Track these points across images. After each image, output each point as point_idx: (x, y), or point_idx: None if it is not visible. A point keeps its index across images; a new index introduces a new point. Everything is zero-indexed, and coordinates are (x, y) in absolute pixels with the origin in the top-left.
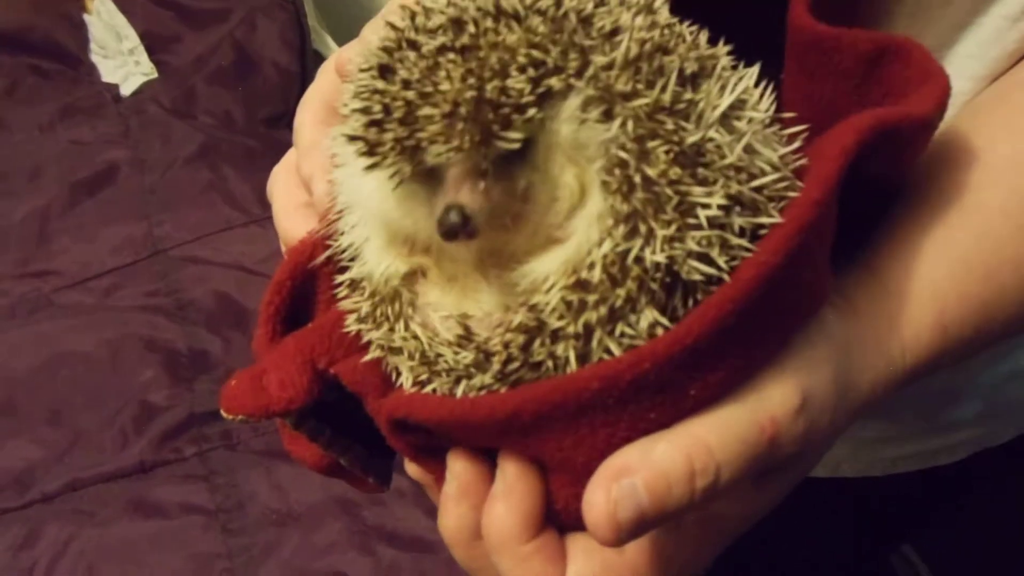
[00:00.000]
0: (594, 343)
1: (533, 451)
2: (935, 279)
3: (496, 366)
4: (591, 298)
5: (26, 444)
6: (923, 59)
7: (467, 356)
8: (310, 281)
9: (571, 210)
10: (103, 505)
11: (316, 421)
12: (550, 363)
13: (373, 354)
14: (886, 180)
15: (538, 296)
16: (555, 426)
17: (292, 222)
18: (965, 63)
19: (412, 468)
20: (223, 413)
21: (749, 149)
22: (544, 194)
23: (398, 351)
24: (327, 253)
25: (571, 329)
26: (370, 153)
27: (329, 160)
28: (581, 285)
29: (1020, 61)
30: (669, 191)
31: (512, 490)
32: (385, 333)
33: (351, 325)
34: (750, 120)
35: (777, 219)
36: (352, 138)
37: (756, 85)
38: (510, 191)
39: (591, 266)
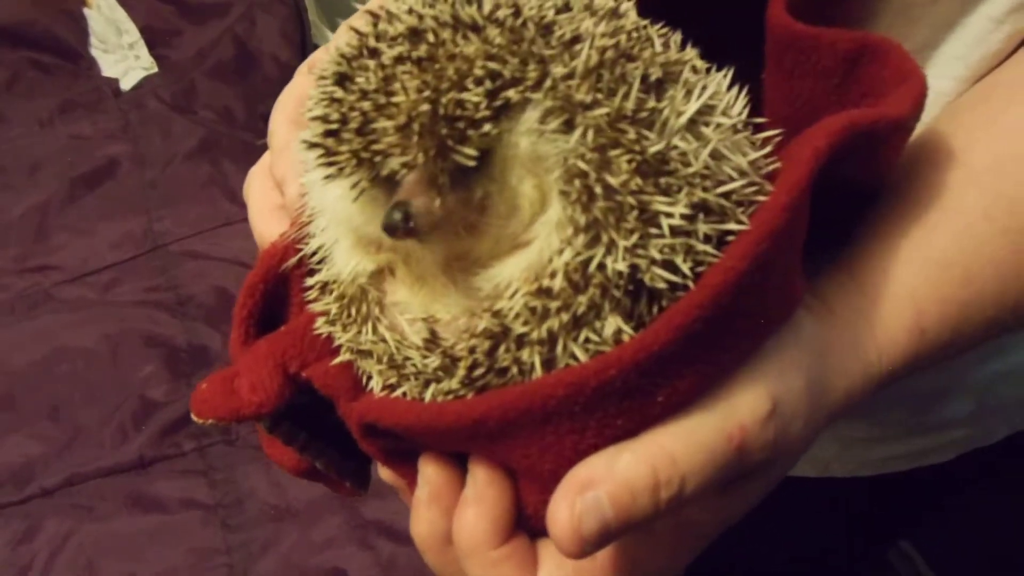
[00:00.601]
0: (559, 349)
1: (501, 457)
2: (913, 281)
3: (462, 371)
4: (554, 304)
5: (25, 439)
6: (901, 59)
7: (434, 360)
8: (283, 284)
9: (532, 217)
10: (102, 500)
11: (290, 424)
12: (515, 369)
13: (343, 357)
14: (863, 181)
15: (502, 302)
16: (521, 433)
17: (266, 224)
18: (950, 63)
19: (384, 472)
20: (194, 417)
21: (716, 155)
22: (502, 204)
23: (367, 354)
24: (297, 256)
25: (535, 335)
26: (328, 163)
27: (300, 165)
28: (544, 292)
29: (1002, 62)
30: (631, 200)
31: (482, 496)
32: (354, 336)
33: (321, 328)
34: (718, 126)
35: (745, 225)
36: (311, 145)
37: (730, 88)
38: (465, 201)
39: (553, 274)
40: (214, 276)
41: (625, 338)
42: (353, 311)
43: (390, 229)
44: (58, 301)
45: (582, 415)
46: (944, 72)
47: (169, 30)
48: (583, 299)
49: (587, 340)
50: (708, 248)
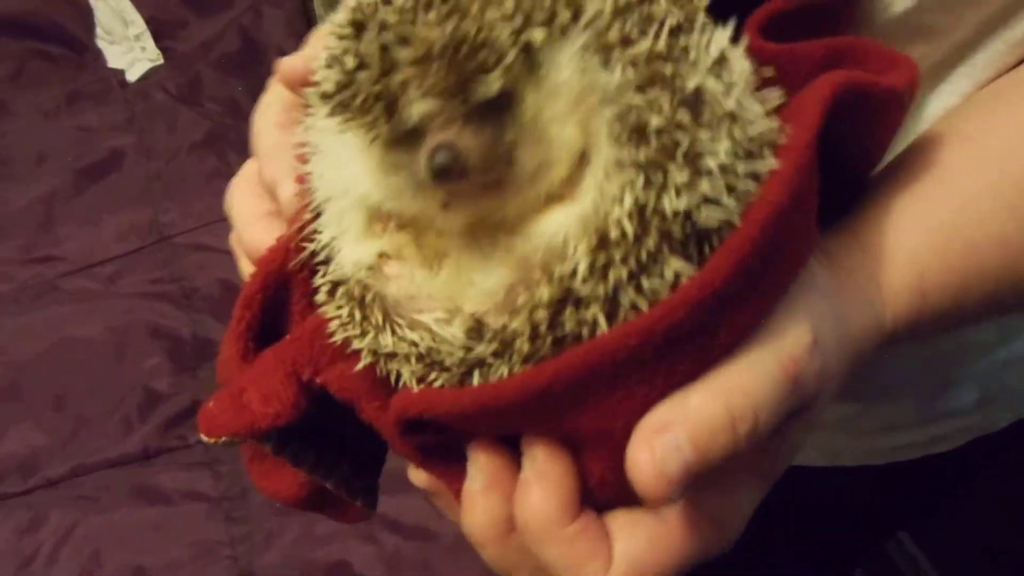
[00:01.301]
0: (622, 301)
1: (564, 429)
2: (915, 246)
3: (522, 344)
4: (617, 255)
5: (31, 429)
6: (882, 51)
7: (485, 348)
8: (282, 291)
9: (571, 166)
10: (107, 491)
11: (300, 443)
12: (578, 331)
13: (365, 361)
14: (860, 157)
15: (562, 264)
16: (590, 395)
17: (258, 232)
18: (959, 81)
19: (419, 475)
20: (204, 437)
21: (741, 98)
22: (534, 154)
23: (392, 356)
24: (302, 256)
25: (600, 291)
26: (345, 108)
27: (294, 163)
28: (605, 244)
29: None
30: (679, 136)
31: (545, 473)
32: (373, 339)
33: (336, 333)
34: (739, 71)
35: (774, 164)
36: (326, 96)
37: (731, 43)
38: (496, 143)
39: (615, 223)
40: (219, 268)
41: (684, 280)
42: (370, 317)
43: (440, 173)
44: (63, 292)
45: (652, 364)
46: (954, 89)
47: (175, 22)
48: (645, 245)
49: (649, 289)
50: (749, 186)
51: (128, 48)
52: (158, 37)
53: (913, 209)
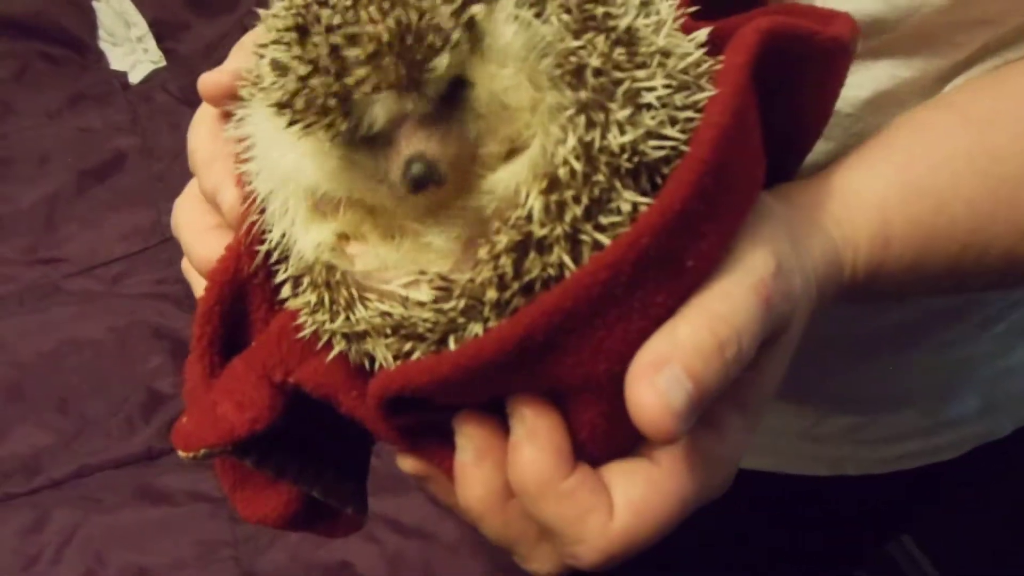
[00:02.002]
0: (583, 238)
1: (548, 380)
2: (883, 193)
3: (492, 295)
4: (569, 195)
5: (34, 430)
6: (817, 9)
7: (456, 305)
8: (239, 302)
9: (525, 124)
10: (110, 491)
11: (281, 454)
12: (545, 274)
13: (338, 347)
14: (813, 109)
15: (515, 211)
16: (570, 337)
17: (206, 245)
18: (942, 87)
19: (407, 462)
20: (181, 454)
21: (670, 34)
22: (497, 132)
23: (363, 335)
24: (256, 260)
25: (559, 231)
26: (303, 115)
27: (232, 169)
28: (556, 186)
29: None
30: (617, 75)
31: (535, 430)
32: (344, 321)
33: (306, 322)
34: (664, 9)
35: (712, 91)
36: (281, 106)
37: None
38: (463, 140)
39: (563, 162)
40: None
41: (643, 210)
42: (336, 297)
43: (418, 185)
44: (67, 293)
45: (626, 297)
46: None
47: (177, 24)
48: (597, 181)
49: (609, 224)
50: (689, 114)
51: (130, 50)
52: (160, 39)
53: (887, 162)
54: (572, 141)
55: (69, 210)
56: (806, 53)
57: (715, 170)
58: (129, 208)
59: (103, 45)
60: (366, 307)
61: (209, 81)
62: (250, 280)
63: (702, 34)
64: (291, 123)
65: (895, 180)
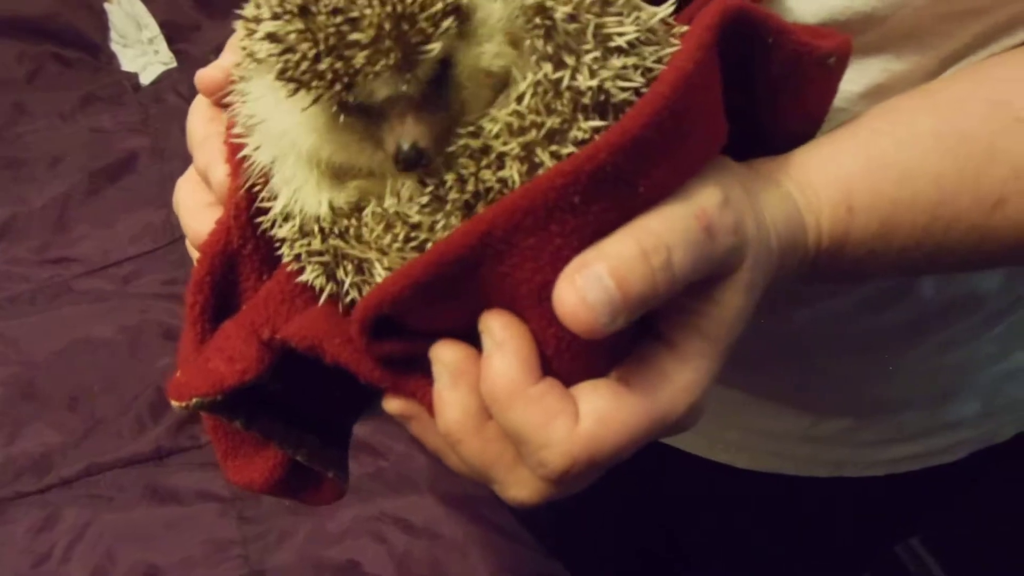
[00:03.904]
0: (538, 160)
1: (511, 285)
2: (848, 165)
3: (454, 195)
4: (530, 119)
5: (45, 428)
6: (809, 27)
7: (426, 199)
8: (230, 273)
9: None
10: (120, 490)
11: (268, 419)
12: (499, 187)
13: (328, 289)
14: (794, 126)
15: (484, 122)
16: (528, 240)
17: (199, 222)
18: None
19: (392, 403)
20: (174, 403)
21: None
22: (475, 97)
23: (353, 259)
24: (267, 219)
25: (514, 150)
26: (305, 86)
27: (223, 148)
28: (519, 114)
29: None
30: (588, 17)
31: (503, 342)
32: (351, 244)
33: (299, 251)
34: None
35: (679, 45)
36: (288, 78)
37: None
38: (449, 118)
39: (526, 94)
40: None
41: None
42: (345, 224)
43: (408, 166)
44: (78, 293)
45: (582, 208)
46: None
47: (188, 25)
48: (558, 111)
49: (566, 154)
50: (657, 65)
51: (142, 51)
52: (171, 40)
53: (853, 136)
54: (540, 76)
55: (80, 210)
56: (801, 66)
57: (673, 106)
58: (140, 208)
59: (114, 47)
60: (373, 230)
61: (204, 76)
62: (239, 252)
63: (667, 6)
64: (295, 91)
65: (859, 154)
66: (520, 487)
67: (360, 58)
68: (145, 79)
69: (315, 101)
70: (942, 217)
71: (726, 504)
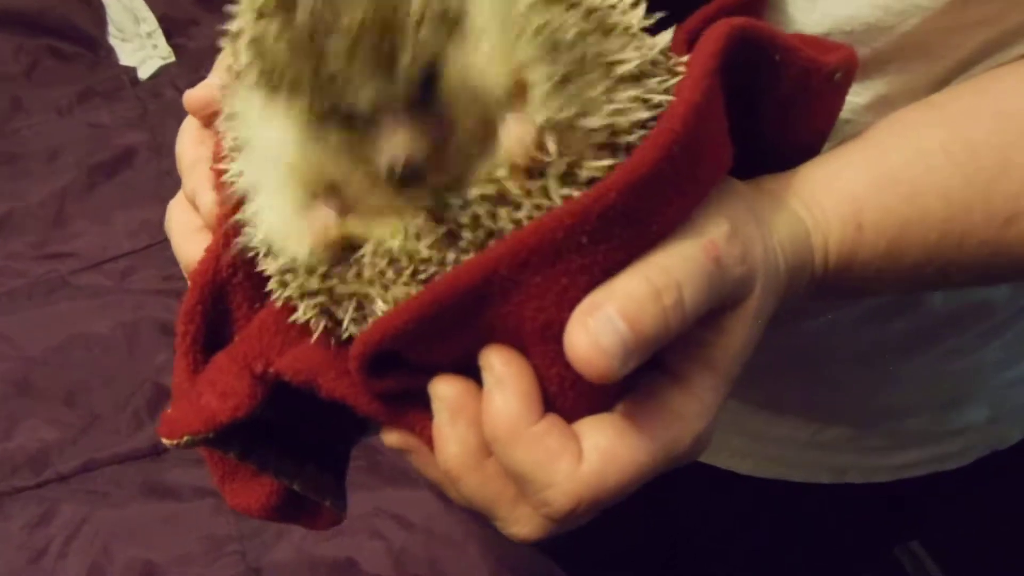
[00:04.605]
0: (549, 202)
1: (515, 322)
2: (855, 182)
3: (467, 233)
4: (540, 159)
5: (42, 424)
6: (821, 40)
7: (441, 231)
8: (221, 302)
9: (498, 102)
10: (117, 486)
11: (263, 449)
12: (515, 228)
13: (311, 314)
14: (803, 142)
15: (499, 170)
16: (534, 279)
17: (191, 246)
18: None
19: (391, 436)
20: (165, 441)
21: (640, 19)
22: (467, 112)
23: (360, 295)
24: (242, 248)
25: (530, 195)
26: (281, 92)
27: (210, 174)
28: (535, 155)
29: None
30: (592, 48)
31: (503, 378)
32: (349, 282)
33: (291, 293)
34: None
35: (684, 73)
36: (265, 80)
37: None
38: (442, 129)
39: (536, 146)
40: None
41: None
42: (339, 266)
43: (401, 183)
44: (75, 288)
45: (589, 249)
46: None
47: (187, 20)
48: (569, 153)
49: (575, 194)
50: (664, 97)
51: (140, 45)
52: (170, 35)
53: (863, 153)
54: (544, 119)
55: (78, 206)
56: (802, 79)
57: (684, 141)
58: (138, 204)
59: (112, 41)
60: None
61: (192, 96)
62: (229, 280)
63: (666, 35)
64: (271, 94)
65: (867, 170)
66: (522, 524)
67: (338, 62)
68: (143, 73)
69: (290, 103)
70: (953, 233)
71: (726, 509)
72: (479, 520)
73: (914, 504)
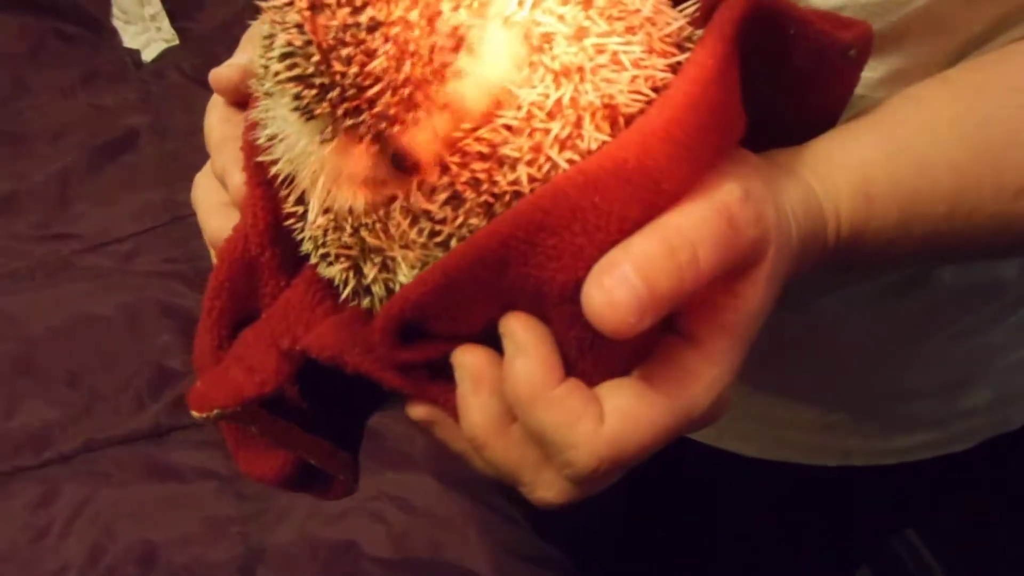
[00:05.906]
0: (551, 163)
1: (534, 285)
2: (865, 154)
3: (470, 194)
4: (536, 124)
5: (43, 404)
6: (837, 16)
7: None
8: (249, 279)
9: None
10: (119, 467)
11: (282, 424)
12: (512, 188)
13: (350, 286)
14: (816, 117)
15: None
16: (552, 239)
17: (217, 221)
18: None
19: (415, 409)
20: (194, 414)
21: (657, 5)
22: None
23: (383, 253)
24: (300, 229)
25: (525, 155)
26: (311, 111)
27: (239, 154)
28: (526, 119)
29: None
30: (595, 39)
31: (524, 344)
32: (379, 236)
33: (329, 249)
34: None
35: (693, 47)
36: (300, 108)
37: None
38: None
39: (520, 107)
40: None
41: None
42: (379, 215)
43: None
44: (77, 269)
45: (605, 206)
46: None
47: (191, 2)
48: (559, 121)
49: (577, 158)
50: (668, 75)
51: (144, 28)
52: (174, 18)
53: (874, 126)
54: (536, 94)
55: (81, 187)
56: (817, 54)
57: (696, 103)
58: (141, 186)
59: (116, 23)
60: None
61: (219, 76)
62: (258, 259)
63: (689, 6)
64: (308, 120)
65: (877, 143)
66: (547, 488)
67: (371, 101)
68: (147, 56)
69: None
70: (962, 205)
71: (731, 491)
72: (480, 504)
73: (917, 488)
